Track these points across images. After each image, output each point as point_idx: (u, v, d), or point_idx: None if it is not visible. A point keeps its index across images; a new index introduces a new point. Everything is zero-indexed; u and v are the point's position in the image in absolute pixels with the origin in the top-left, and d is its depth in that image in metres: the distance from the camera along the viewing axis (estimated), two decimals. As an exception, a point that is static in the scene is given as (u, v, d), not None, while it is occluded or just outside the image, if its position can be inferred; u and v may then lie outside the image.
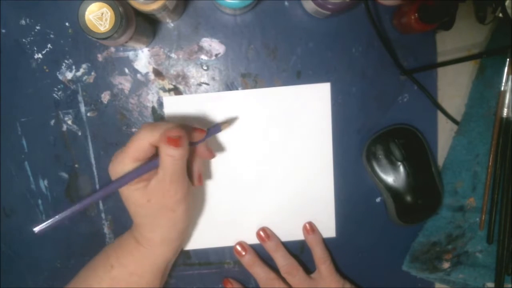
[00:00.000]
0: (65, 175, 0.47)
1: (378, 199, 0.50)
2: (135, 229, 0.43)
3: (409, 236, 0.50)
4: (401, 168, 0.47)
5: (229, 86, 0.47)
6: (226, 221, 0.49)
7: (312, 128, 0.48)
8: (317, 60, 0.47)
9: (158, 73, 0.47)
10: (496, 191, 0.48)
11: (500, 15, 0.42)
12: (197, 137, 0.41)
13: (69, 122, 0.47)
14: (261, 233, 0.49)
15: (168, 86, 0.47)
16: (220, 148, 0.48)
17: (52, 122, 0.47)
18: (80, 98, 0.46)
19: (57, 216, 0.37)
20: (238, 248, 0.49)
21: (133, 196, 0.39)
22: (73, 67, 0.46)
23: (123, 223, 0.48)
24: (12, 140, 0.47)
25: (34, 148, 0.47)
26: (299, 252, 0.50)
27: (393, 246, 0.51)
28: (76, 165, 0.47)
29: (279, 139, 0.48)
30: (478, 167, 0.49)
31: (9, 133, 0.46)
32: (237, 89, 0.47)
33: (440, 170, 0.50)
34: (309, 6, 0.43)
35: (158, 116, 0.47)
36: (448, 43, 0.48)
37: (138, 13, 0.39)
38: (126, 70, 0.46)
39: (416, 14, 0.42)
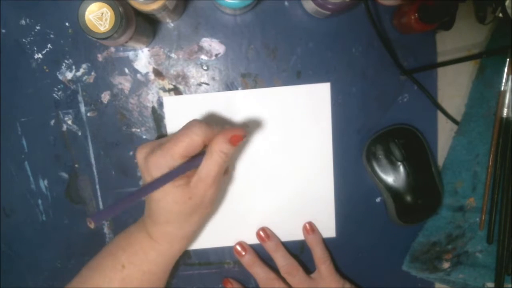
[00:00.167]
0: (65, 175, 0.47)
1: (378, 199, 0.50)
2: (152, 225, 0.41)
3: (409, 236, 0.50)
4: (401, 168, 0.47)
5: (229, 86, 0.47)
6: (226, 221, 0.49)
7: (312, 128, 0.48)
8: (317, 60, 0.47)
9: (158, 73, 0.47)
10: (496, 191, 0.48)
11: (500, 15, 0.42)
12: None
13: (69, 122, 0.47)
14: (261, 233, 0.49)
15: (168, 86, 0.47)
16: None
17: (52, 122, 0.47)
18: (80, 98, 0.46)
19: (113, 206, 0.35)
20: (238, 248, 0.49)
21: (174, 193, 0.38)
22: (73, 67, 0.46)
23: (123, 223, 0.48)
24: (12, 140, 0.47)
25: (34, 148, 0.47)
26: (299, 252, 0.50)
27: (393, 246, 0.51)
28: (76, 165, 0.47)
29: (279, 139, 0.48)
30: (478, 167, 0.49)
31: (9, 133, 0.46)
32: (237, 89, 0.47)
33: (440, 170, 0.50)
34: (309, 6, 0.43)
35: (158, 116, 0.47)
36: (448, 43, 0.48)
37: (138, 13, 0.39)
38: (126, 70, 0.46)
39: (416, 14, 0.42)
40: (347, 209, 0.49)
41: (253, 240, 0.49)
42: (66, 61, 0.46)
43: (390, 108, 0.48)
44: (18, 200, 0.48)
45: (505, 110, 0.47)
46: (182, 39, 0.46)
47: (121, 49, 0.46)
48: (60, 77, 0.46)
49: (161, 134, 0.48)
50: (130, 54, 0.46)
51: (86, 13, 0.35)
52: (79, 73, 0.46)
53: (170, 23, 0.46)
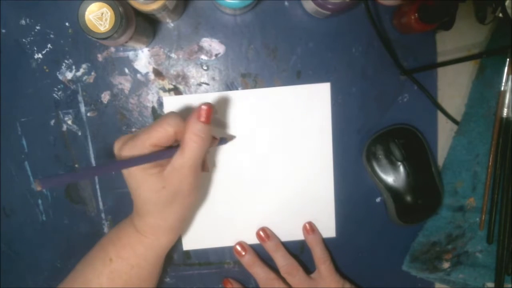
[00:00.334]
0: (65, 175, 0.47)
1: (378, 199, 0.50)
2: (138, 219, 0.42)
3: (409, 236, 0.50)
4: (401, 168, 0.47)
5: (229, 86, 0.47)
6: (226, 221, 0.49)
7: (312, 128, 0.48)
8: (317, 60, 0.47)
9: (158, 73, 0.47)
10: (496, 191, 0.48)
11: (500, 15, 0.42)
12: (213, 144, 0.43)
13: (69, 122, 0.47)
14: (261, 233, 0.49)
15: (168, 86, 0.47)
16: (220, 148, 0.48)
17: (52, 122, 0.47)
18: (80, 98, 0.46)
19: (65, 175, 0.34)
20: (238, 248, 0.49)
21: (148, 180, 0.38)
22: (73, 67, 0.46)
23: (123, 223, 0.48)
24: (12, 140, 0.47)
25: (34, 148, 0.47)
26: (299, 252, 0.50)
27: (393, 246, 0.51)
28: (76, 165, 0.47)
29: (279, 139, 0.48)
30: (478, 167, 0.49)
31: (9, 133, 0.47)
32: (237, 89, 0.47)
33: (440, 170, 0.50)
34: (309, 6, 0.43)
35: (158, 116, 0.47)
36: (448, 43, 0.48)
37: (138, 13, 0.39)
38: (126, 70, 0.46)
39: (416, 14, 0.42)
40: (347, 209, 0.49)
41: (253, 240, 0.49)
42: (66, 61, 0.46)
43: (390, 108, 0.48)
44: (18, 200, 0.48)
45: (505, 110, 0.47)
46: (182, 39, 0.46)
47: (121, 49, 0.46)
48: (60, 77, 0.46)
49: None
50: (130, 54, 0.46)
51: (86, 13, 0.35)
52: (79, 73, 0.46)
53: (170, 23, 0.46)
